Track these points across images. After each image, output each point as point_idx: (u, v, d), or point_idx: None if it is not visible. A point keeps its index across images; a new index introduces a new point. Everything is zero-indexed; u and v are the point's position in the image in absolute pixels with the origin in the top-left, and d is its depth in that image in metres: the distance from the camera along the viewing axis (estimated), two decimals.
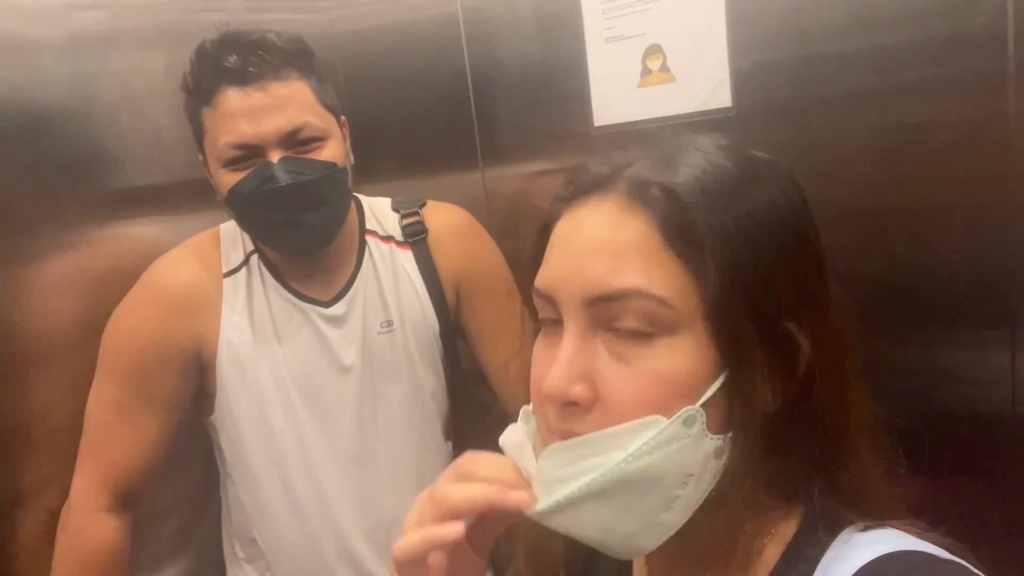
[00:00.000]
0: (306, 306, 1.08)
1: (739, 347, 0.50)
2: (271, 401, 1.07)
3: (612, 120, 1.19)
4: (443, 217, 1.19)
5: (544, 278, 0.54)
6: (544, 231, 0.57)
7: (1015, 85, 0.94)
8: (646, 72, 1.14)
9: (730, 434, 0.51)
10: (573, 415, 0.51)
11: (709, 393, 0.50)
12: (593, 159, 0.57)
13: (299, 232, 1.01)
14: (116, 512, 1.06)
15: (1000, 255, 0.97)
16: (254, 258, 1.09)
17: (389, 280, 1.13)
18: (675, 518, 0.51)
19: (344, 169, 1.03)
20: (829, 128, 1.04)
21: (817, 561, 0.51)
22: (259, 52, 0.96)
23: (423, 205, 1.19)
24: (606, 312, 0.51)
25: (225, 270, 1.08)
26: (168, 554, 1.23)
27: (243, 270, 1.08)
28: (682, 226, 0.50)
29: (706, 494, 0.51)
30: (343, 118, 1.07)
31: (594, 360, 0.51)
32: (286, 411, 1.08)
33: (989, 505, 0.99)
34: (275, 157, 0.97)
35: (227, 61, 0.96)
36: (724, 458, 0.51)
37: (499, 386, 1.18)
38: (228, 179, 0.99)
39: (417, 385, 1.13)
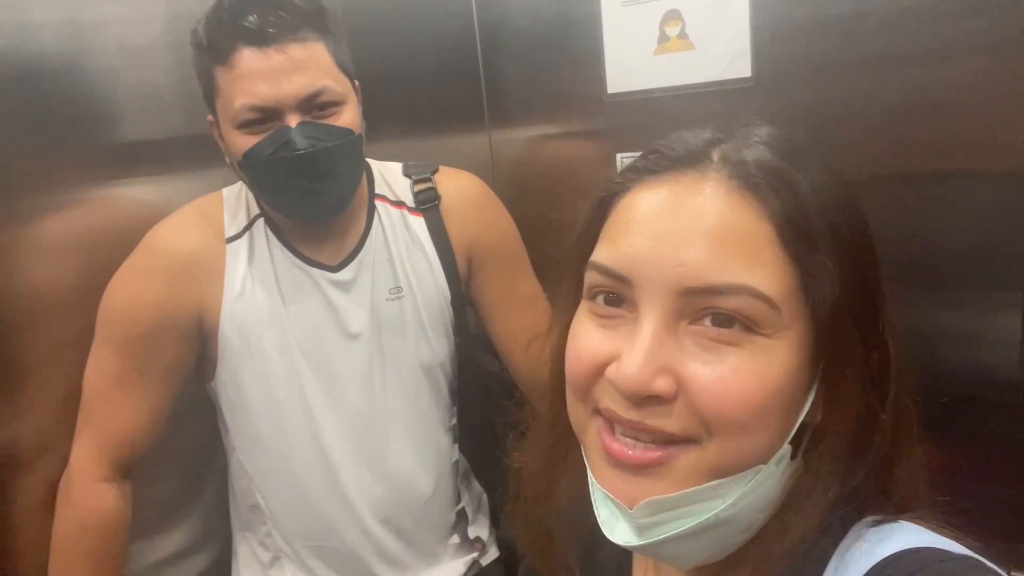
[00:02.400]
0: (313, 271, 1.06)
1: (843, 357, 0.47)
2: (276, 368, 1.06)
3: (626, 87, 1.16)
4: (457, 184, 1.16)
5: (619, 256, 0.49)
6: (604, 204, 0.52)
7: None
8: (663, 39, 1.11)
9: (803, 452, 0.49)
10: (650, 409, 0.47)
11: (805, 410, 0.47)
12: (677, 134, 0.52)
13: (315, 199, 0.99)
14: (115, 481, 1.04)
15: (1018, 219, 0.97)
16: (259, 222, 1.07)
17: (399, 246, 1.11)
18: (748, 536, 0.50)
19: (360, 136, 1.01)
20: (846, 98, 1.02)
21: (829, 557, 0.49)
22: (279, 12, 0.92)
23: (435, 171, 1.16)
24: (699, 303, 0.46)
25: (228, 235, 1.05)
26: (170, 520, 1.22)
27: (246, 235, 1.06)
28: (800, 223, 0.46)
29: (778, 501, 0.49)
30: (357, 83, 1.04)
31: (677, 351, 0.47)
32: (291, 378, 1.06)
33: (997, 466, 1.01)
34: (293, 121, 0.94)
35: (246, 20, 0.91)
36: (796, 471, 0.49)
37: (508, 356, 1.17)
38: (242, 142, 0.95)
39: (426, 353, 1.12)
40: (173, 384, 1.06)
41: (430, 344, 1.12)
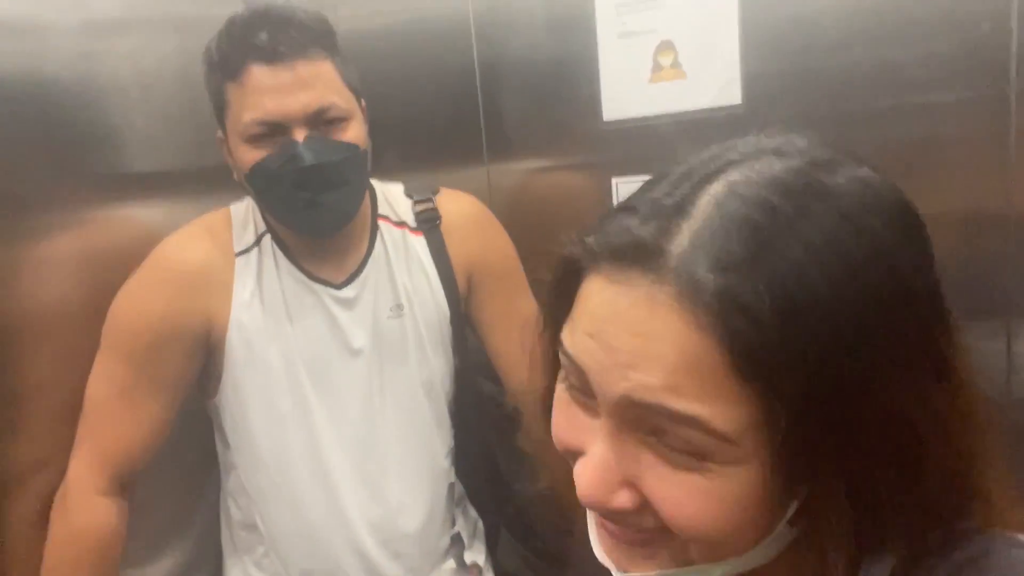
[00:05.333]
0: (318, 287, 1.08)
1: (818, 464, 0.41)
2: (279, 383, 1.06)
3: (621, 115, 1.21)
4: (457, 205, 1.19)
5: (577, 350, 0.45)
6: (571, 277, 0.47)
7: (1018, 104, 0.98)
8: (657, 68, 1.16)
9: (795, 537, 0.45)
10: (622, 518, 0.45)
11: (791, 511, 0.44)
12: (626, 211, 0.45)
13: (319, 212, 1.00)
14: (113, 495, 1.03)
15: (996, 255, 1.01)
16: (266, 238, 1.08)
17: (400, 265, 1.13)
18: None
19: (365, 151, 1.04)
20: (836, 122, 1.06)
21: None
22: (289, 30, 0.96)
23: (436, 192, 1.19)
24: (650, 420, 0.42)
25: (237, 249, 1.07)
26: (162, 544, 1.20)
27: (255, 250, 1.08)
28: (759, 349, 0.39)
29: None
30: (363, 102, 1.07)
31: (635, 462, 0.44)
32: (294, 393, 1.07)
33: None
34: (300, 136, 0.97)
35: (257, 38, 0.95)
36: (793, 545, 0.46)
37: (506, 375, 1.18)
38: (250, 156, 0.98)
39: (426, 371, 1.13)
40: (176, 397, 1.06)
41: (429, 363, 1.13)
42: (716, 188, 0.43)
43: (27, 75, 1.03)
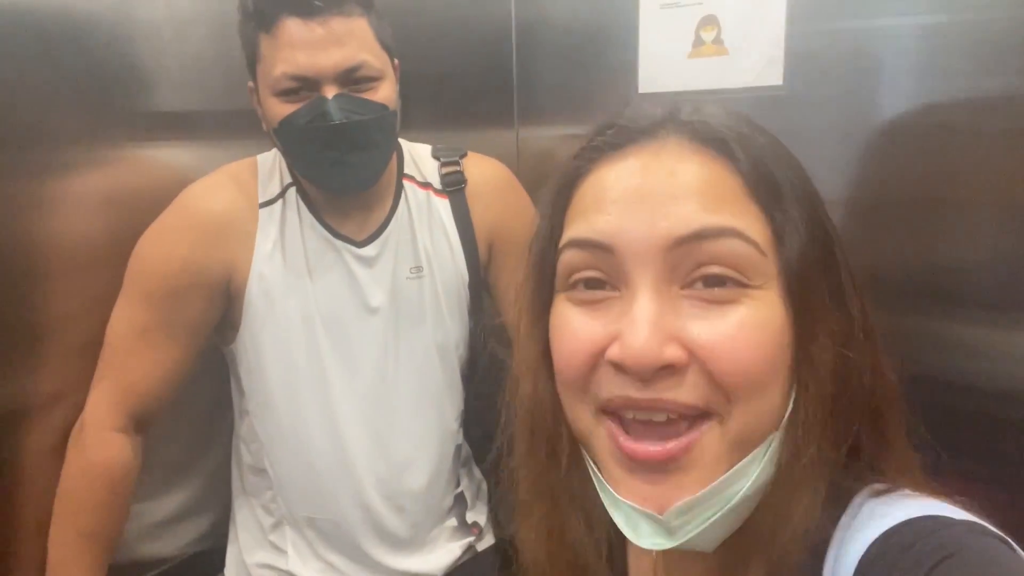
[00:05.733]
0: (339, 244, 1.08)
1: (816, 313, 0.47)
2: (296, 336, 1.07)
3: (658, 88, 1.18)
4: (483, 170, 1.18)
5: (598, 227, 0.47)
6: (566, 189, 0.51)
7: None
8: (699, 43, 1.13)
9: (792, 401, 0.48)
10: (663, 383, 0.45)
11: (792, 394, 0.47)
12: (630, 109, 0.52)
13: (345, 171, 1.00)
14: (128, 433, 1.05)
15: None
16: (291, 191, 1.08)
17: (423, 227, 1.12)
18: (755, 502, 0.49)
19: (395, 112, 1.03)
20: (878, 109, 1.04)
21: (832, 530, 0.48)
22: None
23: (464, 156, 1.18)
24: (689, 259, 0.45)
25: (261, 200, 1.07)
26: (173, 481, 1.23)
27: (279, 202, 1.08)
28: (764, 175, 0.47)
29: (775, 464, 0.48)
30: (396, 61, 1.06)
31: (677, 318, 0.45)
32: (310, 347, 1.07)
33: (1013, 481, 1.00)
34: (330, 93, 0.96)
35: None
36: (787, 429, 0.48)
37: None
38: (279, 110, 0.98)
39: (441, 333, 1.13)
40: (195, 342, 1.07)
41: (445, 325, 1.14)
42: (686, 104, 0.52)
43: (61, 12, 1.02)
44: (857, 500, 0.49)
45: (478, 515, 1.22)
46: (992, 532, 0.45)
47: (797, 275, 0.47)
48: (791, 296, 0.47)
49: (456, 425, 1.19)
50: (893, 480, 0.51)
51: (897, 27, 1.01)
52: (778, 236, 0.47)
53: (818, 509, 0.48)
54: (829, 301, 0.49)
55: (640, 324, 0.44)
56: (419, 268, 1.11)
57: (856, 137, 1.05)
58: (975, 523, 0.45)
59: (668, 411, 0.46)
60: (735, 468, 0.46)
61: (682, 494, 0.45)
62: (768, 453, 0.47)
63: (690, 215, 0.45)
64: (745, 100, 1.11)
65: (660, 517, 0.46)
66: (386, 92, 1.00)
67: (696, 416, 0.46)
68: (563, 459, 0.55)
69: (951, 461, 0.61)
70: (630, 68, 1.21)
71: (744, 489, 0.46)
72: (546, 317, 0.52)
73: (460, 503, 1.21)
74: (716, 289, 0.45)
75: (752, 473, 0.46)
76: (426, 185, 1.15)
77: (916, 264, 1.04)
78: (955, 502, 0.48)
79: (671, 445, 0.45)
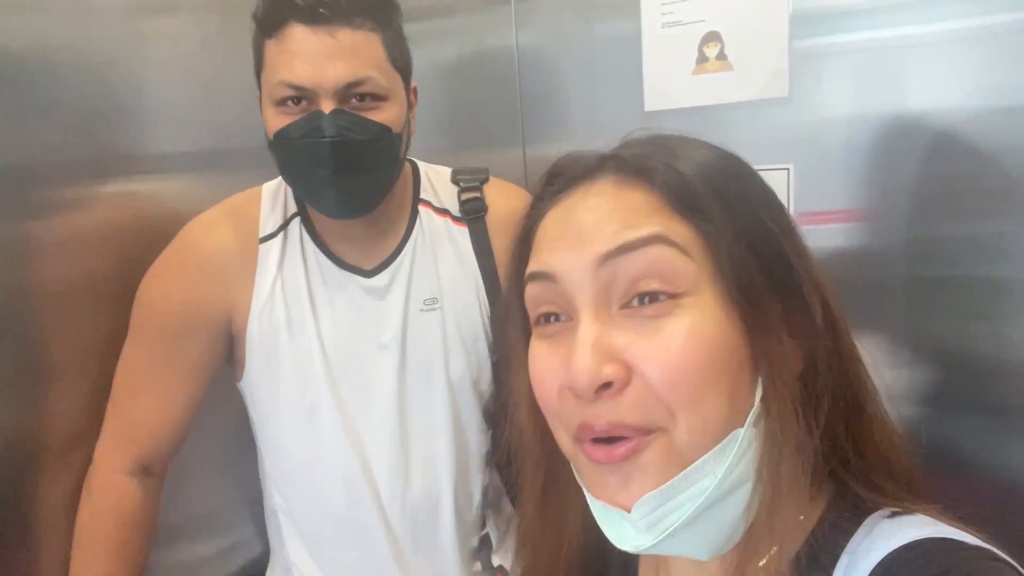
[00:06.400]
0: (345, 274, 1.04)
1: (757, 303, 0.50)
2: (302, 375, 1.03)
3: (664, 106, 1.18)
4: (507, 198, 1.12)
5: (542, 258, 0.54)
6: (526, 239, 0.58)
7: None
8: (702, 59, 1.13)
9: (759, 398, 0.50)
10: (612, 401, 0.49)
11: (757, 397, 0.50)
12: (570, 155, 0.58)
13: (336, 194, 0.94)
14: (137, 475, 1.03)
15: None
16: (294, 221, 1.05)
17: (439, 256, 1.07)
18: (748, 507, 0.51)
19: (399, 135, 0.97)
20: (883, 117, 1.03)
21: (842, 548, 0.50)
22: None
23: (485, 181, 1.12)
24: (621, 277, 0.50)
25: (262, 235, 1.03)
26: (214, 522, 1.22)
27: (281, 235, 1.04)
28: (684, 192, 0.50)
29: (751, 467, 0.51)
30: (414, 84, 1.01)
31: (617, 338, 0.49)
32: (317, 386, 1.03)
33: None
34: (327, 108, 0.90)
35: None
36: (760, 425, 0.51)
37: None
38: (276, 121, 0.93)
39: (458, 368, 1.07)
40: (199, 383, 1.04)
41: (465, 359, 1.07)
42: (621, 141, 0.58)
43: (70, 50, 1.02)
44: (870, 520, 0.51)
45: (504, 557, 1.16)
46: (1002, 558, 0.46)
47: (735, 276, 0.49)
48: (733, 297, 0.49)
49: (481, 463, 1.13)
50: (878, 473, 0.54)
51: (904, 37, 1.00)
52: (706, 240, 0.50)
53: (805, 498, 0.52)
54: (781, 297, 0.51)
55: (580, 348, 0.49)
56: (434, 300, 1.06)
57: (865, 141, 1.04)
58: (986, 548, 0.47)
59: (620, 436, 0.50)
60: (693, 465, 0.49)
61: (641, 491, 0.49)
62: (736, 450, 0.49)
63: (613, 233, 0.50)
64: (751, 112, 1.11)
65: (630, 516, 0.50)
66: (392, 114, 0.95)
67: (645, 431, 0.49)
68: (560, 483, 0.61)
69: None
70: (635, 86, 1.21)
71: (714, 486, 0.48)
72: (527, 352, 0.57)
73: (485, 545, 1.16)
74: (650, 305, 0.49)
75: (719, 470, 0.49)
76: (443, 212, 1.10)
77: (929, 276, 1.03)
78: (968, 528, 0.49)
79: (620, 451, 0.49)
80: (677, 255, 0.49)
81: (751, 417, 0.50)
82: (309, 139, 0.91)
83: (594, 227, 0.51)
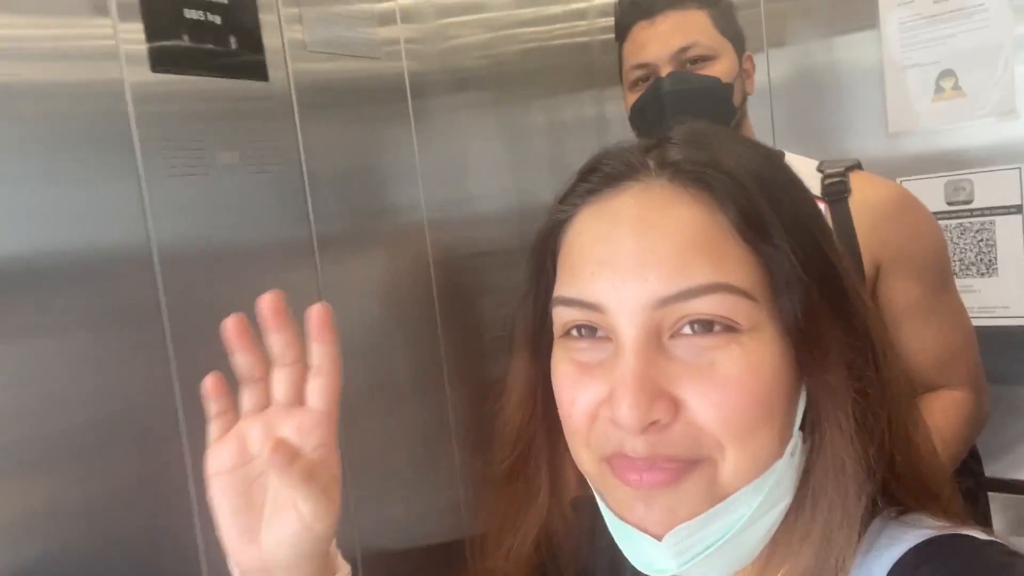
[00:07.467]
0: None
1: (818, 338, 0.46)
2: None
3: (907, 128, 1.49)
4: (875, 188, 1.10)
5: (585, 286, 0.48)
6: (553, 235, 0.52)
7: None
8: (939, 90, 1.44)
9: (812, 435, 0.49)
10: (657, 436, 0.45)
11: (802, 405, 0.48)
12: (608, 150, 0.52)
13: None
14: None
15: None
16: None
17: None
18: (772, 529, 0.50)
19: (729, 85, 1.11)
20: None
21: (851, 551, 0.48)
22: None
23: (852, 168, 1.11)
24: (675, 313, 0.45)
25: None
26: None
27: None
28: (750, 212, 0.45)
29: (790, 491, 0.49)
30: (748, 54, 1.16)
31: (665, 371, 0.45)
32: None
33: None
34: (664, 72, 1.10)
35: (643, 1, 1.12)
36: (798, 453, 0.49)
37: (916, 370, 1.05)
38: (630, 99, 1.14)
39: None
40: None
41: None
42: (659, 137, 0.51)
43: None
44: (876, 524, 0.50)
45: None
46: (1017, 552, 0.46)
47: (796, 311, 0.46)
48: (792, 331, 0.46)
49: None
50: (925, 502, 0.51)
51: None
52: (771, 273, 0.46)
53: (855, 529, 0.48)
54: (838, 327, 0.48)
55: (628, 385, 0.45)
56: None
57: None
58: (1000, 543, 0.47)
59: (660, 466, 0.47)
60: (732, 497, 0.46)
61: (677, 521, 0.46)
62: (773, 480, 0.47)
63: (670, 277, 0.45)
64: (982, 125, 1.37)
65: (659, 544, 0.47)
66: (721, 68, 1.10)
67: (688, 462, 0.47)
68: (541, 493, 0.59)
69: None
70: (878, 109, 1.51)
71: (747, 516, 0.47)
72: (539, 362, 0.54)
73: None
74: (705, 336, 0.45)
75: (754, 501, 0.47)
76: None
77: None
78: (975, 527, 0.49)
79: (660, 477, 0.46)
80: (740, 301, 0.45)
81: (789, 447, 0.48)
82: (650, 96, 1.11)
83: (650, 256, 0.45)
